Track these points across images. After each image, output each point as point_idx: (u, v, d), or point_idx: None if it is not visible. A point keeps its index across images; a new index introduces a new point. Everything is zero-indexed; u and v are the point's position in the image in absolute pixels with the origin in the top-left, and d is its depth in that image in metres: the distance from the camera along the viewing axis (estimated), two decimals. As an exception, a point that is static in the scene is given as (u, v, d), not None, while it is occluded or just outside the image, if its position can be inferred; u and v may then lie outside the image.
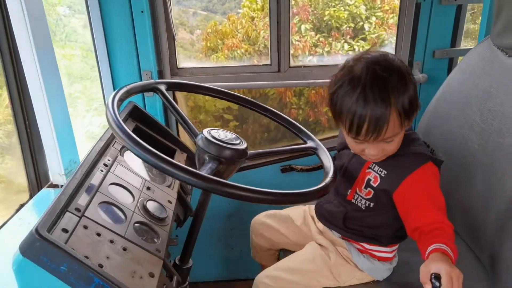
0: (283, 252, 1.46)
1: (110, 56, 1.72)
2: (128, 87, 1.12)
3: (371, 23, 2.76)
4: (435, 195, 1.05)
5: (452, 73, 1.46)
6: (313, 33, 2.75)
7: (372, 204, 1.16)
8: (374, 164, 1.14)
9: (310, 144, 1.27)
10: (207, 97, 2.33)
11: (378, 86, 0.97)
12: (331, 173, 1.10)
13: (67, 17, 2.10)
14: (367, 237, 1.21)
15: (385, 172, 1.11)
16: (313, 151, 1.24)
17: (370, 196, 1.15)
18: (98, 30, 1.69)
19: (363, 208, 1.17)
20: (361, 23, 2.76)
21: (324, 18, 2.76)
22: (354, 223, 1.22)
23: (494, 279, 1.18)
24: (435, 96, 1.50)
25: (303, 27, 2.73)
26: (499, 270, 1.13)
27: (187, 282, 1.27)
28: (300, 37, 2.72)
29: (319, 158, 1.22)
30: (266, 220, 1.45)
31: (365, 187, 1.16)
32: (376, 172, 1.13)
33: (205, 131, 1.07)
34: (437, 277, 0.86)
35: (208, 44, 2.61)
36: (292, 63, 1.81)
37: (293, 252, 1.36)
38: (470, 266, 1.29)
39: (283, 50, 1.77)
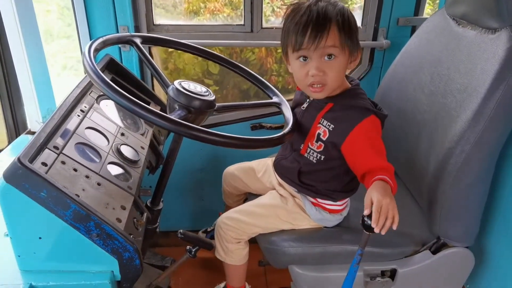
0: (249, 197, 1.58)
1: (87, 11, 1.74)
2: (104, 38, 1.17)
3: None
4: (377, 143, 1.15)
5: (411, 39, 1.56)
6: (295, -1, 2.75)
7: (322, 158, 1.25)
8: (323, 119, 1.22)
9: (275, 99, 1.35)
10: (186, 60, 2.35)
11: (322, 7, 1.11)
12: (290, 125, 1.20)
13: (43, -31, 2.07)
14: (319, 192, 1.31)
15: (333, 126, 1.20)
16: (276, 106, 1.33)
17: (321, 149, 1.24)
18: (75, -16, 1.70)
19: (315, 162, 1.26)
20: (342, -11, 2.77)
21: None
22: (307, 178, 1.31)
23: (430, 219, 1.34)
24: (394, 61, 1.60)
25: (285, -8, 2.73)
26: (434, 212, 1.29)
27: (157, 224, 1.37)
28: (282, 4, 2.73)
29: (282, 112, 1.31)
30: (234, 172, 1.56)
31: (316, 141, 1.24)
32: (325, 127, 1.21)
33: (176, 82, 1.15)
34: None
35: (190, 8, 2.59)
36: (264, 24, 1.88)
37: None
38: (410, 209, 1.45)
39: (256, 12, 1.82)
